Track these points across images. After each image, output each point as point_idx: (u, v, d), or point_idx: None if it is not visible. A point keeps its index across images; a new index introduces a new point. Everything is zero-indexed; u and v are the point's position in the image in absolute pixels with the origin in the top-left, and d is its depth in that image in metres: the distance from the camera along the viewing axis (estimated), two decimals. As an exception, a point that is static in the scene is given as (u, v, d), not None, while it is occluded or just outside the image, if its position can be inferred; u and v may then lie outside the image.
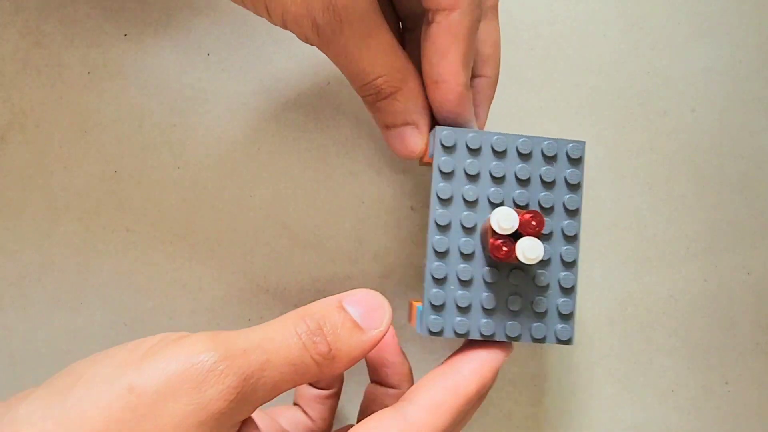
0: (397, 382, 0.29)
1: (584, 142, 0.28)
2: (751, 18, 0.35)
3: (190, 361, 0.22)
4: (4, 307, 0.34)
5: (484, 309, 0.27)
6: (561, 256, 0.28)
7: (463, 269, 0.27)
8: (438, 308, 0.27)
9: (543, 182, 0.28)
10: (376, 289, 0.34)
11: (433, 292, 0.27)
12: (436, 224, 0.27)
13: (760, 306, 0.35)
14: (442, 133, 0.27)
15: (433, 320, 0.27)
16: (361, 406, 0.30)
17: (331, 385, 0.30)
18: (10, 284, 0.34)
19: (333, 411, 0.31)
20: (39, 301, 0.34)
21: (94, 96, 0.34)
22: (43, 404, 0.22)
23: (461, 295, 0.27)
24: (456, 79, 0.27)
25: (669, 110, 0.35)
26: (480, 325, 0.27)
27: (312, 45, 0.27)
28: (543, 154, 0.28)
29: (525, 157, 0.28)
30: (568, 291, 0.28)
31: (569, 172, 0.28)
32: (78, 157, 0.34)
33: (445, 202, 0.27)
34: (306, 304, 0.34)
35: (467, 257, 0.27)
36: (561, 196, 0.28)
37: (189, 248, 0.34)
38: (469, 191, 0.27)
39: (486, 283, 0.27)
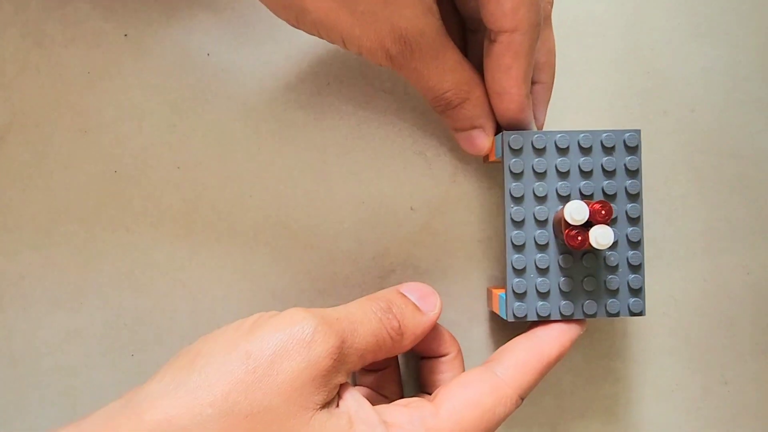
0: (446, 349, 0.32)
1: (639, 131, 0.30)
2: (750, 18, 0.35)
3: (297, 327, 0.26)
4: (4, 307, 0.34)
5: (562, 292, 0.30)
6: (627, 237, 0.30)
7: (540, 258, 0.30)
8: (520, 295, 0.30)
9: (605, 171, 0.30)
10: (375, 289, 0.34)
11: (515, 282, 0.30)
12: (512, 220, 0.30)
13: (759, 306, 0.35)
14: (510, 137, 0.30)
15: (518, 306, 0.30)
16: (421, 380, 0.33)
17: (387, 363, 0.33)
18: (10, 284, 0.34)
19: (399, 383, 0.33)
20: (39, 301, 0.34)
21: (94, 96, 0.34)
22: (171, 379, 0.25)
23: (541, 282, 0.30)
24: (518, 92, 0.29)
25: (669, 110, 0.35)
26: (560, 306, 0.30)
27: (384, 67, 0.30)
28: (603, 146, 0.30)
29: (586, 150, 0.30)
30: (637, 268, 0.30)
31: (628, 159, 0.30)
32: (78, 157, 0.34)
33: (518, 199, 0.30)
34: (306, 305, 0.34)
35: (542, 247, 0.30)
36: (622, 183, 0.30)
37: (189, 248, 0.34)
38: (539, 187, 0.30)
39: (562, 268, 0.30)
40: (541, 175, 0.30)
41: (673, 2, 0.35)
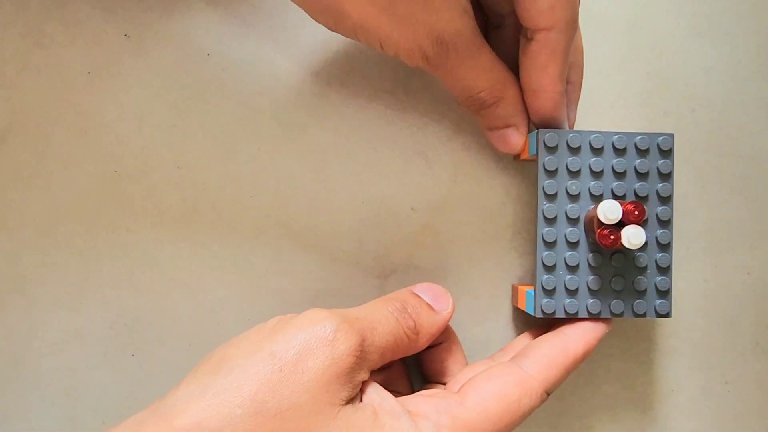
0: (443, 338, 0.32)
1: (673, 135, 0.31)
2: (751, 18, 0.35)
3: (319, 326, 0.26)
4: (4, 307, 0.34)
5: (590, 290, 0.31)
6: (657, 239, 0.31)
7: (571, 256, 0.30)
8: (549, 292, 0.30)
9: (638, 173, 0.31)
10: (377, 290, 0.34)
11: (545, 278, 0.30)
12: (545, 217, 0.30)
13: (760, 306, 0.35)
14: (545, 135, 0.30)
15: (546, 303, 0.30)
16: (426, 372, 0.33)
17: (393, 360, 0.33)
18: (10, 284, 0.34)
19: (408, 377, 0.33)
20: (39, 301, 0.34)
21: (94, 96, 0.34)
22: (197, 385, 0.25)
23: (570, 279, 0.30)
24: (554, 89, 0.30)
25: (669, 110, 0.35)
26: (588, 304, 0.31)
27: (419, 68, 0.30)
28: (636, 148, 0.31)
29: (620, 152, 0.31)
30: (665, 270, 0.31)
31: (661, 162, 0.31)
32: (78, 157, 0.34)
33: (551, 197, 0.31)
34: (307, 305, 0.34)
35: (573, 245, 0.31)
36: (654, 185, 0.31)
37: (189, 248, 0.34)
38: (572, 186, 0.31)
39: (591, 267, 0.31)
40: (574, 174, 0.31)
41: (673, 2, 0.35)
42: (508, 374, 0.28)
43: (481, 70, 0.30)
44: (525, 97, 0.31)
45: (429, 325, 0.30)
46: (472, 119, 0.34)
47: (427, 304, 0.30)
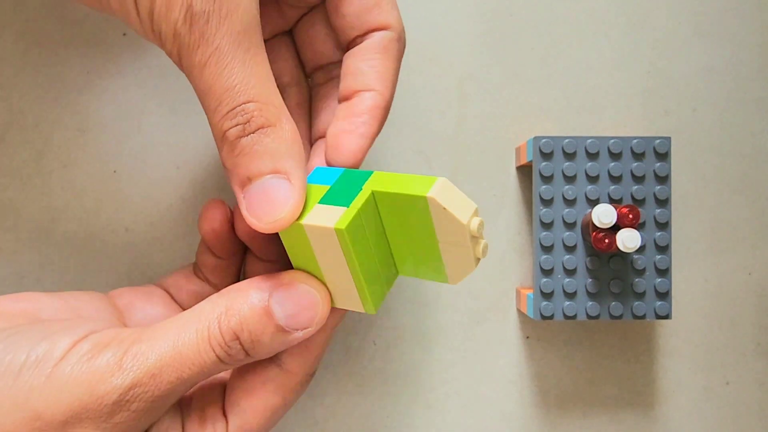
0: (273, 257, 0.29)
1: (670, 138, 0.31)
2: (751, 18, 0.35)
3: (98, 389, 0.22)
4: (3, 308, 0.33)
5: (588, 293, 0.31)
6: (655, 242, 0.31)
7: (568, 260, 0.31)
8: (548, 295, 0.31)
9: (634, 177, 0.31)
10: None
11: (543, 282, 0.31)
12: (541, 222, 0.31)
13: (760, 306, 0.35)
14: (541, 141, 0.31)
15: (545, 306, 0.31)
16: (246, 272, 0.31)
17: (233, 252, 0.30)
18: (10, 284, 0.33)
19: (236, 276, 0.31)
20: (38, 301, 0.33)
21: (94, 96, 0.34)
22: None
23: (568, 283, 0.31)
24: (389, 97, 0.27)
25: (669, 110, 0.35)
26: (587, 307, 0.31)
27: (175, 51, 0.23)
28: (632, 152, 0.31)
29: (616, 156, 0.31)
30: (664, 272, 0.31)
31: (658, 165, 0.31)
32: (77, 157, 0.34)
33: (547, 202, 0.31)
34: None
35: (570, 249, 0.31)
36: (651, 188, 0.31)
37: (188, 248, 0.34)
38: (569, 191, 0.31)
39: (589, 270, 0.31)
40: (570, 179, 0.31)
41: (673, 2, 0.35)
42: (268, 381, 0.25)
43: (254, 71, 0.22)
44: (329, 145, 0.26)
45: (269, 350, 0.24)
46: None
47: (276, 327, 0.23)
